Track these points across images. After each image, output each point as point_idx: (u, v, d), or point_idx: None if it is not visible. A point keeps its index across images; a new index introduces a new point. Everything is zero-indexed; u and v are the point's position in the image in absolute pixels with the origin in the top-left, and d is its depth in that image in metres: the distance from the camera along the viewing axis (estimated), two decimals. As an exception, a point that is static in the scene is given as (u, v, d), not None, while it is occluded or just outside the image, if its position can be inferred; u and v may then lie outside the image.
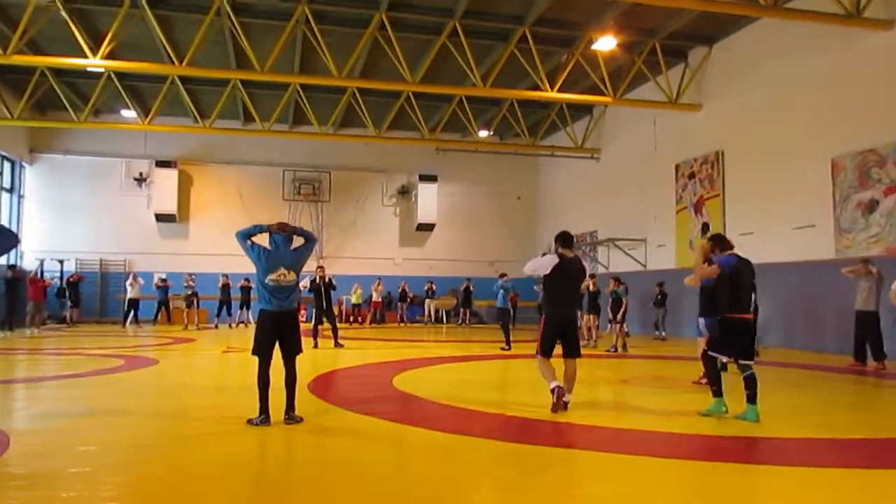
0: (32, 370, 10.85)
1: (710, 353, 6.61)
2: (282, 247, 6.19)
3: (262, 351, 6.05)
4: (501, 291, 14.83)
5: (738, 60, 17.02)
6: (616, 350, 13.81)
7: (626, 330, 14.46)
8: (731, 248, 6.79)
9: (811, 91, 14.70)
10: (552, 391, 6.60)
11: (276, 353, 6.13)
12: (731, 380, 6.93)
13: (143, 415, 6.70)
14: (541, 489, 4.29)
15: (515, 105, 22.27)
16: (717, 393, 6.51)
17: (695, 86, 18.47)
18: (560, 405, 6.54)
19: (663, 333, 17.58)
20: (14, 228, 22.95)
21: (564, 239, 6.96)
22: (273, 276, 6.05)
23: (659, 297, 17.56)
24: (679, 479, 4.60)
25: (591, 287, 14.75)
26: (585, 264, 7.23)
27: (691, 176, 18.64)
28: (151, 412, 6.87)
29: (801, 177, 14.80)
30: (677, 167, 19.24)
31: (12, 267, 19.48)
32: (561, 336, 6.83)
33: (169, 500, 4.01)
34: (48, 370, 10.67)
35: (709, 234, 7.89)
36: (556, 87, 17.64)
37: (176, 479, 4.49)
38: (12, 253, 22.49)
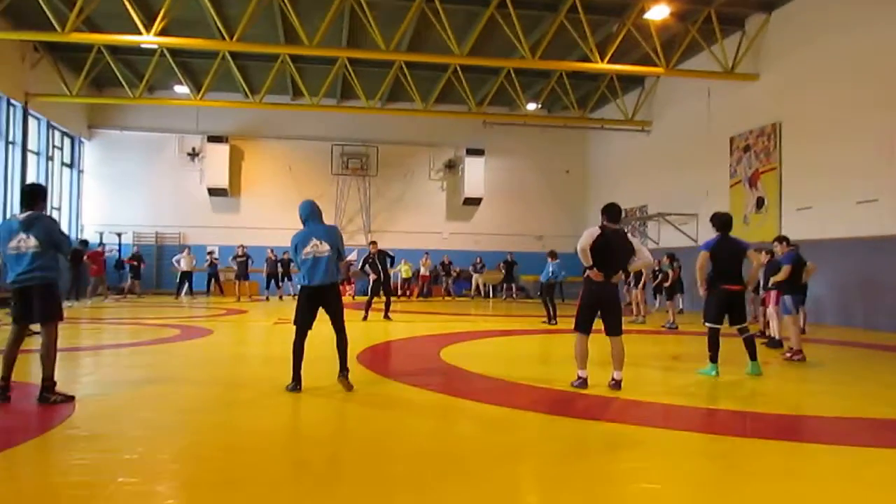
0: (96, 339, 11.29)
1: (707, 324, 7.56)
2: (311, 224, 6.33)
3: (300, 323, 6.27)
4: (550, 268, 14.67)
5: (798, 27, 16.34)
6: (671, 325, 13.61)
7: (679, 306, 14.26)
8: (726, 224, 7.66)
9: (876, 60, 14.03)
10: (578, 377, 6.56)
11: (326, 323, 6.27)
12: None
13: (199, 382, 6.92)
14: (586, 463, 4.29)
15: (564, 77, 21.89)
16: (713, 359, 7.42)
17: (752, 55, 17.83)
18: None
19: None
20: (74, 202, 23.82)
21: (610, 211, 6.76)
22: (308, 249, 6.17)
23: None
24: (725, 457, 4.54)
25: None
26: (634, 239, 7.00)
27: (746, 149, 18.10)
28: (206, 380, 7.09)
29: (863, 149, 14.21)
30: (732, 140, 18.69)
31: (84, 242, 20.21)
32: (601, 312, 6.66)
33: (223, 464, 4.14)
34: (110, 339, 11.11)
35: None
36: (607, 59, 17.26)
37: (229, 445, 4.63)
38: (77, 227, 23.36)
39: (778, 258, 9.70)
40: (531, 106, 23.89)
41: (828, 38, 15.33)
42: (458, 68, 20.89)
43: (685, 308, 18.36)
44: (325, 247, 6.19)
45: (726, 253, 7.49)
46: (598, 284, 6.57)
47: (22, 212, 5.71)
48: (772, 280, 9.35)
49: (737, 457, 4.54)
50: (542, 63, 18.42)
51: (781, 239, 9.84)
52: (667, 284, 14.27)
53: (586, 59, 17.96)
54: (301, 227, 6.39)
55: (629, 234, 6.99)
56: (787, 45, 16.69)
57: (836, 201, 14.85)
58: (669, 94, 22.17)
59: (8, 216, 18.74)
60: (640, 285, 15.13)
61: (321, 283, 6.20)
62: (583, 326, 6.65)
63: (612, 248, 6.55)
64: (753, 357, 7.51)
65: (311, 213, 6.38)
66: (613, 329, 6.65)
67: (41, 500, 3.45)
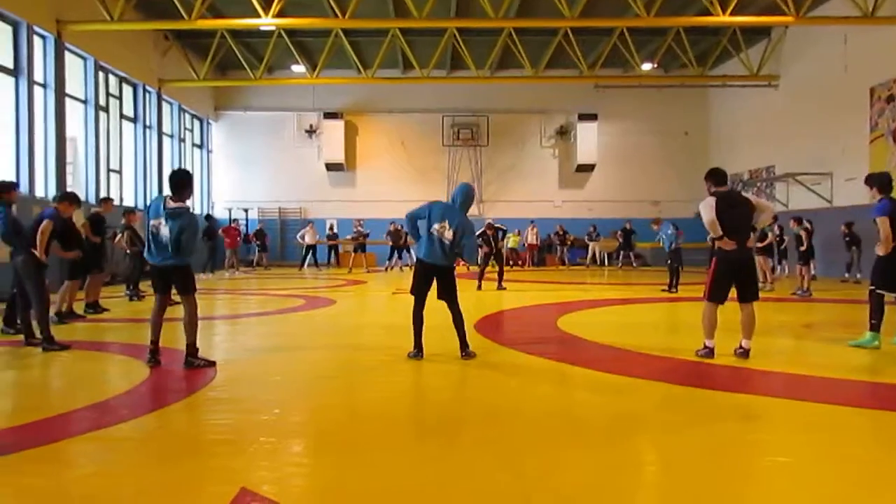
0: (230, 309, 12.05)
1: (877, 290, 6.95)
2: (454, 207, 6.38)
3: (415, 292, 6.45)
4: (664, 237, 14.19)
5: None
6: (804, 292, 12.85)
7: (812, 272, 13.43)
8: (888, 184, 6.99)
9: None
10: (704, 346, 6.34)
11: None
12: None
13: (325, 349, 7.26)
14: (712, 434, 4.15)
15: (682, 33, 20.79)
16: (876, 328, 6.86)
17: (896, -5, 16.20)
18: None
19: (858, 276, 15.96)
20: (204, 181, 25.40)
21: (715, 176, 6.44)
22: (436, 226, 6.27)
23: (847, 237, 16.01)
24: (861, 430, 4.26)
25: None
26: (748, 194, 6.52)
27: (889, 99, 16.56)
28: (332, 347, 7.42)
29: None
30: (872, 90, 17.15)
31: (208, 217, 21.60)
32: (735, 278, 6.36)
33: (352, 426, 4.34)
34: (242, 309, 11.84)
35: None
36: (729, 10, 16.21)
37: (357, 408, 4.86)
38: (207, 204, 24.93)
39: None
40: (646, 66, 22.92)
41: None
42: (569, 31, 20.32)
43: (817, 274, 17.24)
44: (450, 234, 6.25)
45: None
46: (732, 252, 6.26)
47: (172, 197, 6.03)
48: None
49: (874, 431, 4.27)
50: (658, 20, 17.52)
51: None
52: (803, 248, 13.39)
53: (706, 13, 16.96)
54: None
55: (743, 192, 6.59)
56: (939, -18, 15.05)
57: None
58: (799, 45, 20.60)
59: (151, 194, 20.28)
60: (767, 251, 14.35)
61: (436, 264, 6.35)
62: (716, 296, 6.38)
63: (733, 211, 6.23)
64: None
65: (463, 199, 6.38)
66: (749, 296, 6.35)
67: (194, 455, 3.75)
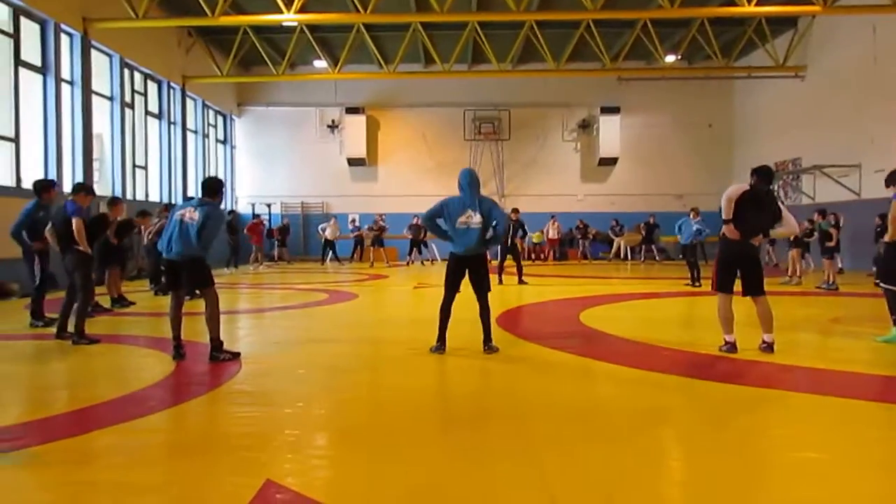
0: (254, 303, 12.18)
1: (882, 285, 6.82)
2: (468, 193, 6.38)
3: (447, 286, 6.44)
4: (691, 230, 14.02)
5: None
6: (829, 286, 12.67)
7: (838, 265, 13.22)
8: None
9: None
10: (725, 342, 6.28)
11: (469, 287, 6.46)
12: None
13: (348, 343, 7.31)
14: (738, 429, 4.13)
15: (706, 24, 20.50)
16: None
17: (927, -17, 15.83)
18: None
19: None
20: (228, 176, 25.64)
21: (761, 173, 6.27)
22: (462, 219, 6.28)
23: (878, 228, 15.74)
24: (888, 425, 4.21)
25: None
26: (782, 205, 6.42)
27: (920, 90, 16.23)
28: (355, 341, 7.47)
29: None
30: (902, 81, 16.83)
31: (232, 212, 21.80)
32: (740, 271, 6.31)
33: (375, 419, 4.37)
34: (266, 303, 11.94)
35: None
36: (755, 0, 15.97)
37: (380, 401, 4.89)
38: (230, 199, 25.17)
39: None
40: (670, 58, 22.66)
41: None
42: (591, 23, 20.15)
43: (844, 267, 16.98)
44: (478, 218, 6.27)
45: None
46: (735, 243, 6.23)
47: (203, 198, 6.24)
48: None
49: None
50: (682, 11, 17.29)
51: None
52: (831, 244, 13.18)
53: (731, 3, 16.72)
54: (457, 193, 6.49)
55: (779, 200, 6.48)
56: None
57: None
58: (827, 35, 20.23)
59: (175, 190, 20.58)
60: (798, 245, 14.16)
61: (468, 254, 6.35)
62: (723, 286, 6.34)
63: (756, 207, 6.15)
64: None
65: (470, 182, 6.43)
66: (754, 289, 6.30)
67: (219, 447, 3.81)
